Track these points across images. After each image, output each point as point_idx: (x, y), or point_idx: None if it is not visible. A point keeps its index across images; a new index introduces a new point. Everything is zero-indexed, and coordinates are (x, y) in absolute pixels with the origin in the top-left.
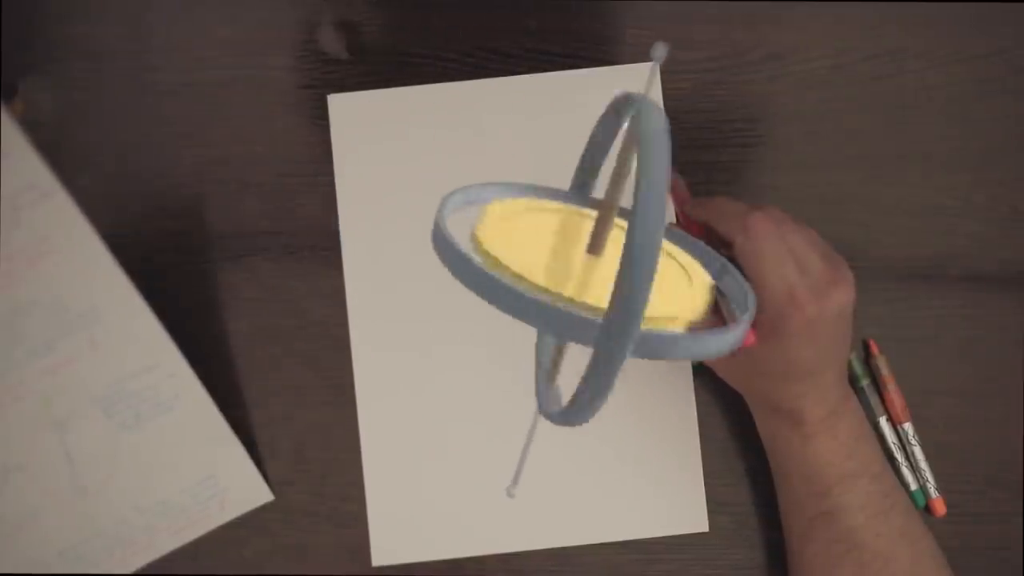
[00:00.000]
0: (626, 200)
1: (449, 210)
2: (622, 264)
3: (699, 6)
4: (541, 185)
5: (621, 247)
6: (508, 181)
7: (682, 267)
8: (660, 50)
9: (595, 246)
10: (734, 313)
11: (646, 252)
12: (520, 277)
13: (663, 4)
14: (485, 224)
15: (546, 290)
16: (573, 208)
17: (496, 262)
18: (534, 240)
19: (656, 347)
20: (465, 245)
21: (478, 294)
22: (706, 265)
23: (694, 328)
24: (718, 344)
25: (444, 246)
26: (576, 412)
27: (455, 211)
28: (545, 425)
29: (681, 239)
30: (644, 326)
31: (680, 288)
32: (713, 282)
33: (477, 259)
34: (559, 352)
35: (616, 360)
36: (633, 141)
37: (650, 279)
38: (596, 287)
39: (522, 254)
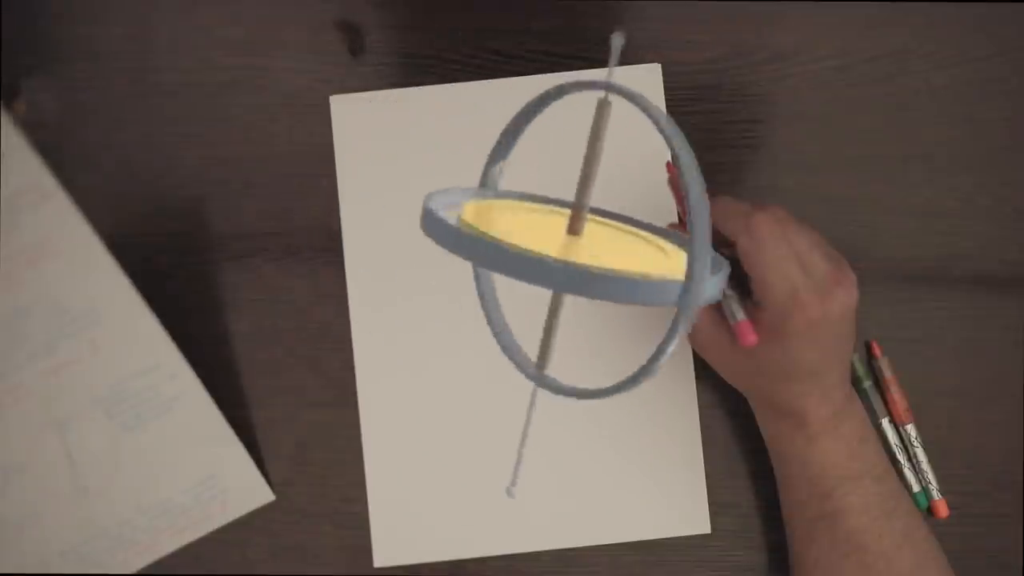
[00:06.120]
0: (596, 199)
1: (442, 203)
2: (689, 223)
3: (702, 7)
4: (510, 190)
5: (598, 236)
6: (473, 187)
7: (659, 248)
8: (618, 40)
9: (574, 226)
10: (735, 313)
11: (700, 216)
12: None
13: (665, 4)
14: (466, 217)
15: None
16: (541, 206)
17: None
18: (513, 227)
19: (647, 293)
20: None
21: (533, 280)
22: (671, 241)
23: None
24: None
25: (469, 242)
26: (644, 373)
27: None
28: (547, 426)
29: (643, 227)
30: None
31: (657, 259)
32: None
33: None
34: (549, 336)
35: (691, 314)
36: (599, 137)
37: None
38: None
39: (508, 236)
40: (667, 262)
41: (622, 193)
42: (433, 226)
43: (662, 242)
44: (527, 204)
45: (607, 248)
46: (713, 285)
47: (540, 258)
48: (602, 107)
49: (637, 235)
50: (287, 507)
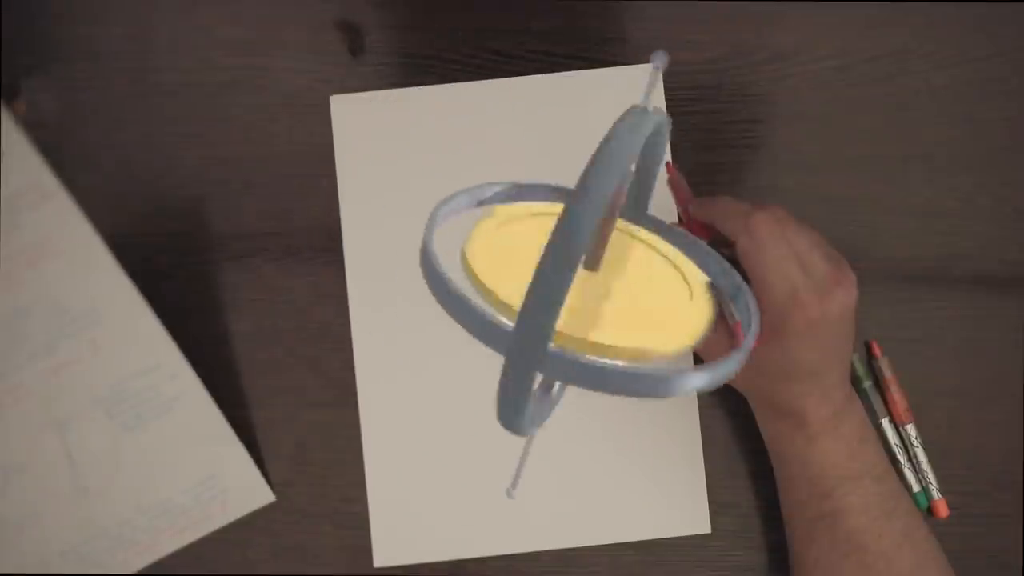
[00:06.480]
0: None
1: (445, 213)
2: (533, 278)
3: (702, 6)
4: (545, 184)
5: (618, 265)
6: (513, 181)
7: (685, 281)
8: (660, 58)
9: (590, 261)
10: (735, 313)
11: (560, 265)
12: (489, 290)
13: (666, 5)
14: (484, 228)
15: (507, 306)
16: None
17: (470, 268)
18: (531, 251)
19: (585, 377)
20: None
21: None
22: (718, 281)
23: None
24: (668, 386)
25: (427, 262)
26: (503, 420)
27: (459, 212)
28: (547, 426)
29: (693, 248)
30: (615, 357)
31: (678, 307)
32: (708, 280)
33: (446, 272)
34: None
35: (519, 374)
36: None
37: (561, 294)
38: (593, 306)
39: (513, 268)
40: (687, 309)
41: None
42: (429, 276)
43: (687, 267)
44: (553, 207)
45: (627, 285)
46: (686, 383)
47: (472, 307)
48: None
49: (660, 255)
50: (287, 507)
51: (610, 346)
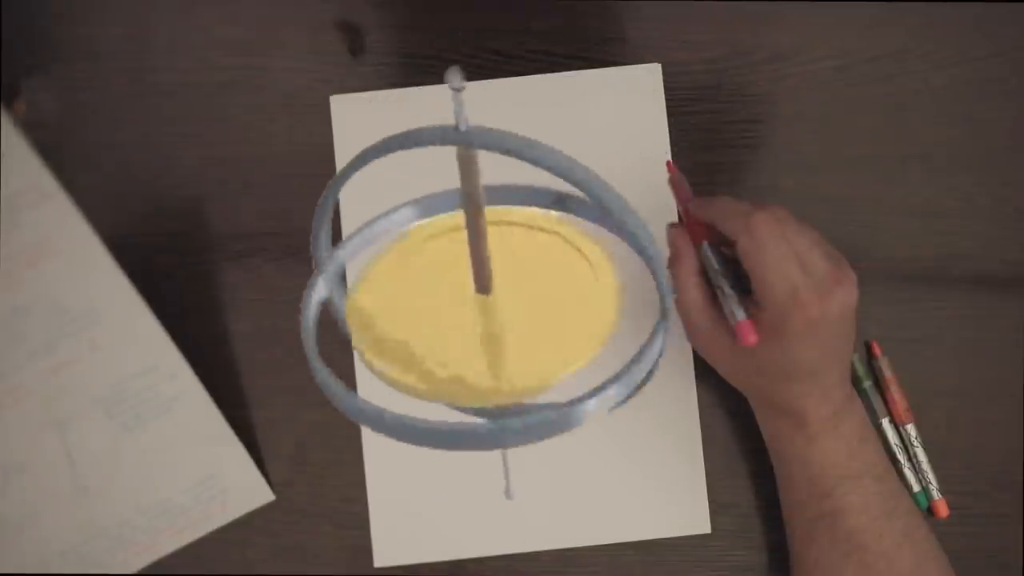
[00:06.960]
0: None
1: (337, 267)
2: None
3: (701, 7)
4: (433, 195)
5: (513, 275)
6: (398, 205)
7: (586, 261)
8: (456, 79)
9: (480, 285)
10: (735, 313)
11: None
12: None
13: (665, 5)
14: (376, 273)
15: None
16: (450, 217)
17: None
18: (431, 279)
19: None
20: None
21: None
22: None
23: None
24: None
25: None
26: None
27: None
28: None
29: (560, 203)
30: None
31: (585, 283)
32: (619, 281)
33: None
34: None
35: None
36: (474, 190)
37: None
38: (506, 336)
39: (409, 303)
40: (596, 287)
41: (622, 193)
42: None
43: (587, 246)
44: (435, 223)
45: (525, 296)
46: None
47: (413, 424)
48: (466, 161)
49: (559, 238)
50: (287, 507)
51: (516, 392)
